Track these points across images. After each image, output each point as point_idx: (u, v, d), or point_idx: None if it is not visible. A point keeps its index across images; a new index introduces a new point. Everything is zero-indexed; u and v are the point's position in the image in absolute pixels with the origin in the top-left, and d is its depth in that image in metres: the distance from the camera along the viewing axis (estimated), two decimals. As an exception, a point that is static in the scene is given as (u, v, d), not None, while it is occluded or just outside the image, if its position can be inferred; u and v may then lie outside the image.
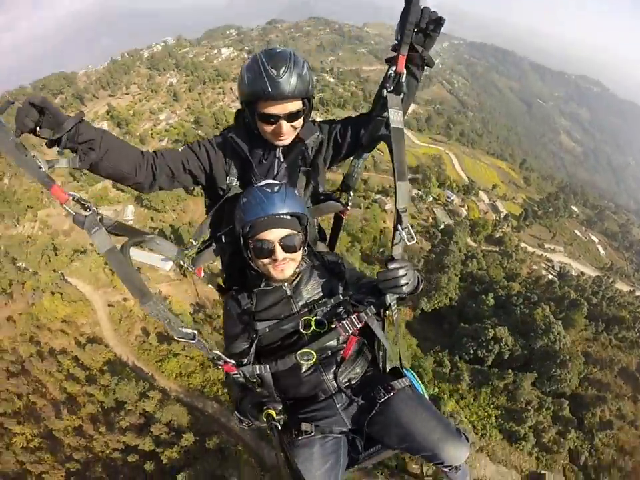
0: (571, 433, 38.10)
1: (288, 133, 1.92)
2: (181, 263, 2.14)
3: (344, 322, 1.85)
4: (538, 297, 50.77)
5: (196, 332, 1.61)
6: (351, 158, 2.26)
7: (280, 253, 1.81)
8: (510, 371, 41.57)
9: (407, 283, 1.69)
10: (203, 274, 2.28)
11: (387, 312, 1.96)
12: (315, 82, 1.90)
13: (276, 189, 1.81)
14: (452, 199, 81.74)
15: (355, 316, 1.86)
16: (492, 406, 40.69)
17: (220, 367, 1.81)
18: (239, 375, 1.85)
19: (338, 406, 1.95)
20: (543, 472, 36.07)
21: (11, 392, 37.27)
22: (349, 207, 2.38)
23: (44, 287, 49.36)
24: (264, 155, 2.05)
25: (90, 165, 1.64)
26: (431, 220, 73.99)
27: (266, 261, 1.84)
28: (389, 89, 1.83)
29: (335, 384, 1.96)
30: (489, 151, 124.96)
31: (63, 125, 1.46)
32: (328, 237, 2.62)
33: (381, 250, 58.29)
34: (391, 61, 1.83)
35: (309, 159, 2.10)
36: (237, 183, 2.06)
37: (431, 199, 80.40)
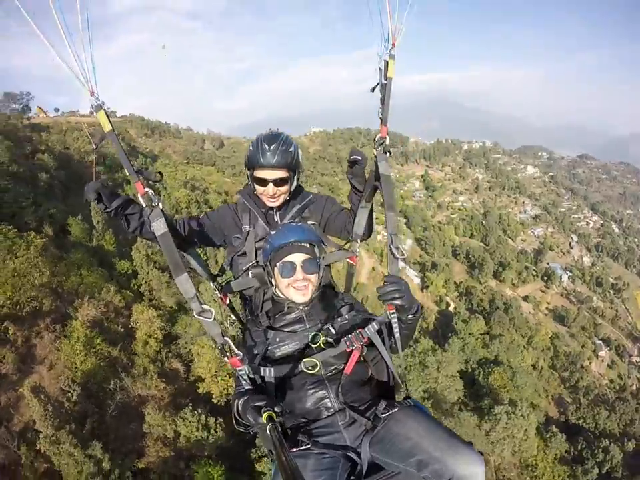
0: None
1: (276, 196, 2.42)
2: (212, 285, 2.50)
3: (348, 336, 2.03)
4: None
5: (214, 310, 1.81)
6: (357, 209, 2.54)
7: (300, 273, 2.09)
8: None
9: (402, 297, 1.90)
10: (228, 301, 2.57)
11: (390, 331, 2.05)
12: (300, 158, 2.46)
13: (297, 223, 2.31)
14: None
15: (358, 331, 2.05)
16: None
17: (227, 358, 1.90)
18: (243, 372, 1.94)
19: (340, 424, 1.99)
20: None
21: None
22: (356, 255, 2.66)
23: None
24: (265, 211, 2.55)
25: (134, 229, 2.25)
26: None
27: (289, 280, 2.09)
28: (377, 149, 2.26)
29: (339, 401, 2.01)
30: None
31: (112, 204, 2.08)
32: (343, 285, 2.94)
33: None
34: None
35: (303, 216, 2.57)
36: (250, 228, 2.52)
37: None
